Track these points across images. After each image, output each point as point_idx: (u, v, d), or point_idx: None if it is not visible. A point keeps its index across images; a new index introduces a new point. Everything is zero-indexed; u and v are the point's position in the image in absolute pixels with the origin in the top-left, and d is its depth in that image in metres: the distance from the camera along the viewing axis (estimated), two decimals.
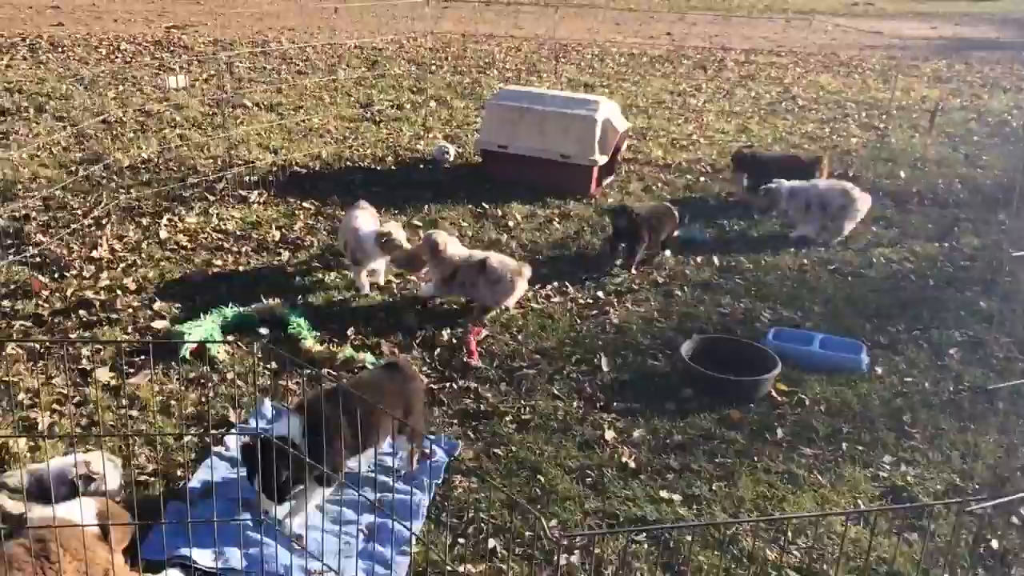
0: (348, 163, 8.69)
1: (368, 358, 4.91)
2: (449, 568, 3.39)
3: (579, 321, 5.60)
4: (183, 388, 4.60)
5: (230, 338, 5.12)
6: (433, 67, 14.05)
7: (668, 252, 6.66)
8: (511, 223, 7.20)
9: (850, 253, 6.92)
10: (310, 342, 5.05)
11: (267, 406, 4.45)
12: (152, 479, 3.84)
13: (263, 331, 5.20)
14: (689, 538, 3.63)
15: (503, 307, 5.56)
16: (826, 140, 10.37)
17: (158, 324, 5.24)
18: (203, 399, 4.51)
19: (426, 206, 7.45)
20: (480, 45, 16.67)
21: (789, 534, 3.71)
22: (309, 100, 11.22)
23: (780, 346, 5.13)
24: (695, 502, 3.90)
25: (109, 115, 9.61)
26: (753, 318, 5.74)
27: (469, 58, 15.12)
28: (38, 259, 6.02)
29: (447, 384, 4.78)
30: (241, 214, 7.13)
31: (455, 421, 4.45)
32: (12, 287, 5.61)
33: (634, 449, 4.25)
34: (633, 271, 6.31)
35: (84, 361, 4.81)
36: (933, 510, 3.86)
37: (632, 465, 4.12)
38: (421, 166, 8.73)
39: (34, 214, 6.82)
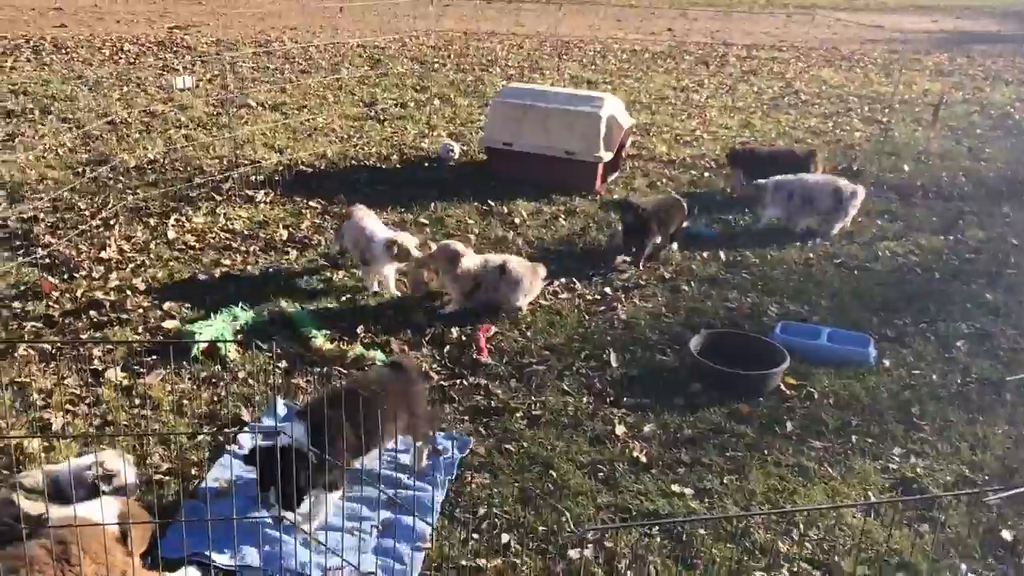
0: (353, 162, 8.71)
1: (378, 356, 4.94)
2: (465, 563, 3.42)
3: (587, 317, 5.62)
4: (195, 387, 4.63)
5: (240, 338, 5.14)
6: (436, 65, 14.06)
7: (675, 245, 6.68)
8: (517, 220, 7.22)
9: (855, 247, 6.94)
10: (320, 340, 5.07)
11: (280, 405, 4.47)
12: (167, 478, 3.87)
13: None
14: (702, 531, 3.66)
15: (519, 307, 5.59)
16: (829, 135, 10.39)
17: (169, 324, 5.27)
18: (215, 398, 4.54)
19: (432, 204, 7.47)
20: (482, 43, 16.69)
21: (801, 526, 3.73)
22: (313, 99, 11.24)
23: (788, 340, 5.14)
24: (707, 495, 3.93)
25: (114, 116, 9.64)
26: (760, 313, 5.76)
27: (472, 56, 15.13)
28: (47, 260, 6.05)
29: (457, 381, 4.81)
30: (248, 214, 7.16)
31: (466, 418, 4.48)
32: (23, 288, 5.64)
33: (645, 444, 4.28)
34: (640, 266, 6.33)
35: (96, 362, 4.84)
36: (943, 501, 3.89)
37: (643, 460, 4.14)
38: (426, 164, 8.75)
39: (42, 216, 6.85)
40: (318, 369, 4.83)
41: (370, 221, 5.94)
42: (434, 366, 4.95)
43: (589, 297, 5.91)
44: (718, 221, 7.37)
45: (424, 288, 5.89)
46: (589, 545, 3.55)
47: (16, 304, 5.44)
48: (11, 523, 2.94)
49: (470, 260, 5.55)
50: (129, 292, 5.66)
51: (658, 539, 3.63)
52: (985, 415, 4.64)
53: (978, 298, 6.05)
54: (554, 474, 4.01)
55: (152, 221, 6.89)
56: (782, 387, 4.81)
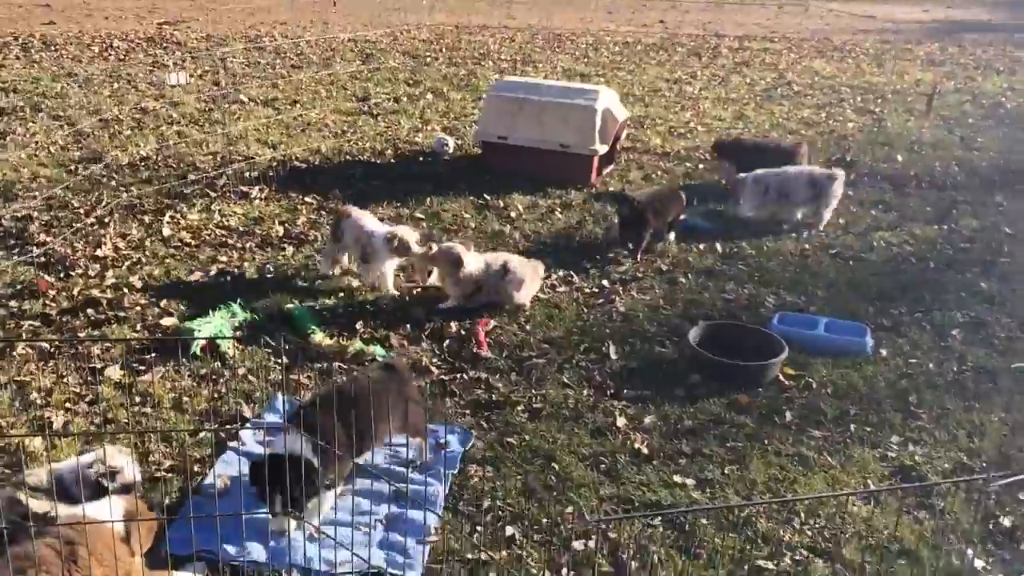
0: (347, 157, 8.69)
1: (378, 351, 4.94)
2: (470, 556, 3.43)
3: (586, 310, 5.64)
4: (195, 384, 4.62)
5: (240, 334, 5.14)
6: (428, 59, 14.03)
7: (672, 236, 6.69)
8: (513, 214, 7.22)
9: (851, 237, 6.97)
10: (320, 336, 5.07)
11: (279, 400, 4.47)
12: (169, 475, 3.87)
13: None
14: (704, 521, 3.68)
15: (520, 304, 5.60)
16: (822, 125, 10.42)
17: (167, 321, 5.26)
18: (215, 395, 4.54)
19: (427, 199, 7.47)
20: (474, 36, 16.65)
21: (802, 515, 3.76)
22: (305, 94, 11.21)
23: (785, 331, 5.17)
24: (708, 486, 3.95)
25: (106, 113, 9.58)
26: (757, 304, 5.79)
27: (464, 49, 15.10)
28: (43, 259, 6.03)
29: (458, 375, 4.82)
30: (243, 210, 7.14)
31: (468, 411, 4.49)
32: (19, 287, 5.62)
33: (646, 435, 4.30)
34: (638, 259, 6.35)
35: (95, 360, 4.83)
36: (942, 488, 3.92)
37: (644, 451, 4.16)
38: (420, 159, 8.74)
39: (36, 214, 6.82)
40: (318, 365, 4.83)
41: (368, 219, 5.94)
42: (434, 360, 4.95)
43: (587, 290, 5.92)
44: (712, 213, 7.38)
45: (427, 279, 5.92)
46: (593, 536, 3.57)
47: (13, 303, 5.42)
48: (19, 521, 2.93)
49: (472, 264, 5.49)
50: (126, 290, 5.64)
51: (661, 529, 3.65)
52: (981, 402, 4.68)
53: (972, 287, 6.09)
54: (556, 466, 4.03)
55: (147, 218, 6.87)
56: (781, 377, 4.84)
